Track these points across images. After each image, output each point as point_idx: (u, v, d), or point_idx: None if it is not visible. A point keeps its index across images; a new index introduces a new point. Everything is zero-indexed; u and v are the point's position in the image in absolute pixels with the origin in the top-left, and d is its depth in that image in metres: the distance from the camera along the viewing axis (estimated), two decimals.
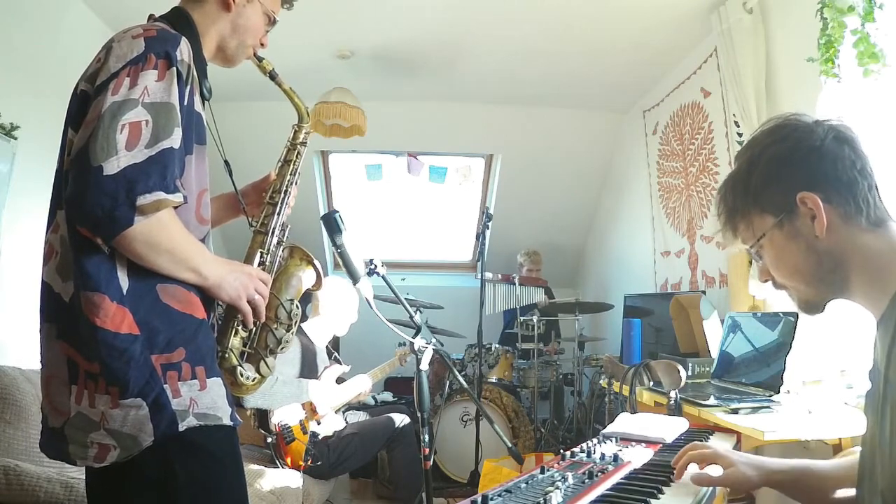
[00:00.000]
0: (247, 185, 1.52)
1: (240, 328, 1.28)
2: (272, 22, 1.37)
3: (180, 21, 1.24)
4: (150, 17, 1.25)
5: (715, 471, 0.97)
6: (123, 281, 1.06)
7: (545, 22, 3.19)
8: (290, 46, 3.37)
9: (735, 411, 1.85)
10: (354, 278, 1.60)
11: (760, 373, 2.17)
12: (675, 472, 1.01)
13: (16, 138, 2.47)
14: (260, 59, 1.41)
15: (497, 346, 4.03)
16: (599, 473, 0.97)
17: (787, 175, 0.90)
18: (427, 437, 1.61)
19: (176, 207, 1.08)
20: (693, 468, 1.00)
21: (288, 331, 1.36)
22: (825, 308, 0.95)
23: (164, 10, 1.28)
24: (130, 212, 1.00)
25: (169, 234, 1.07)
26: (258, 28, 1.34)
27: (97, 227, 1.01)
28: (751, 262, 2.64)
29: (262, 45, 1.38)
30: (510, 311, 4.50)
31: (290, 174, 1.46)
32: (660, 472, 1.03)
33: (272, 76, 1.44)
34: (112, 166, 1.00)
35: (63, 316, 1.09)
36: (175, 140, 1.07)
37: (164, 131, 1.06)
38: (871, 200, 0.88)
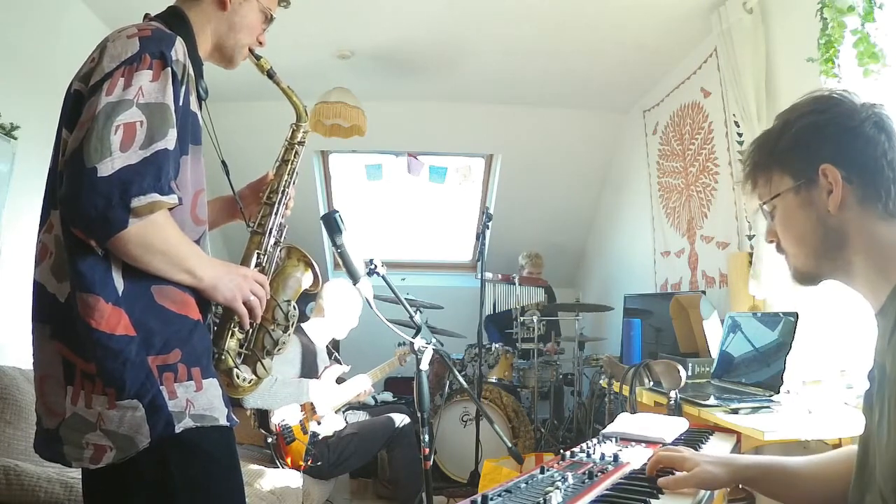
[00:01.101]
0: (244, 187, 1.51)
1: (236, 330, 1.27)
2: (269, 19, 1.36)
3: (176, 20, 1.23)
4: (146, 16, 1.24)
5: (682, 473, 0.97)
6: (118, 282, 1.06)
7: (545, 22, 3.19)
8: (290, 46, 3.37)
9: (735, 411, 1.85)
10: (354, 278, 1.60)
11: (760, 373, 2.17)
12: (670, 473, 1.01)
13: (16, 138, 2.47)
14: (258, 58, 1.40)
15: (497, 346, 4.03)
16: (599, 473, 0.97)
17: (815, 144, 0.90)
18: (427, 437, 1.61)
19: (171, 209, 1.07)
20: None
21: (285, 332, 1.35)
22: (819, 283, 0.96)
23: (162, 10, 1.27)
24: (125, 214, 1.00)
25: (163, 236, 1.06)
26: (255, 26, 1.33)
27: (91, 228, 1.01)
28: (751, 263, 2.64)
29: (259, 43, 1.37)
30: (495, 320, 4.49)
31: (288, 174, 1.44)
32: (659, 473, 1.03)
33: (270, 75, 1.43)
34: (106, 167, 0.99)
35: (58, 316, 1.09)
36: (170, 141, 1.07)
37: (158, 132, 1.05)
38: (893, 191, 0.88)
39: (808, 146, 0.91)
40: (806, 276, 0.95)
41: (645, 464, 1.08)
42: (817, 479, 0.98)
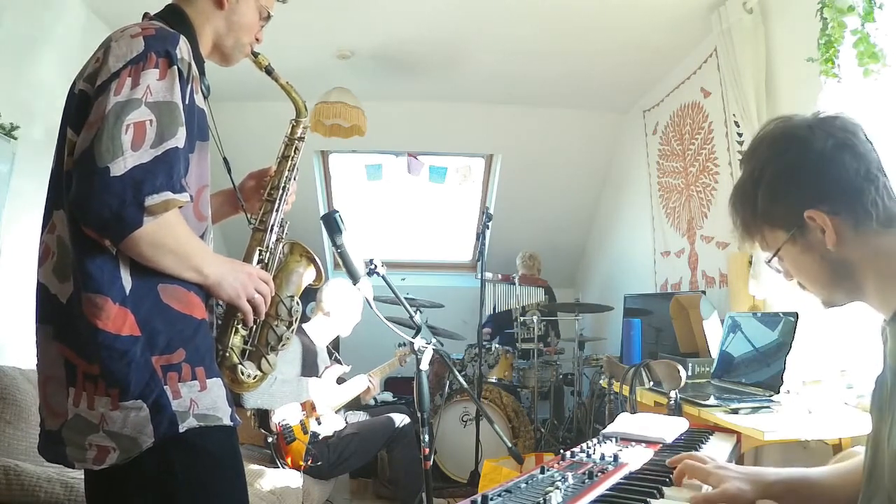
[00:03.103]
0: (246, 177, 1.51)
1: (240, 326, 1.28)
2: (266, 17, 1.36)
3: (176, 18, 1.23)
4: (146, 15, 1.24)
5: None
6: (126, 281, 1.06)
7: (545, 22, 3.19)
8: (290, 47, 3.37)
9: (735, 411, 1.85)
10: (354, 278, 1.60)
11: (760, 373, 2.17)
12: (673, 472, 1.00)
13: (16, 138, 2.47)
14: (255, 55, 1.40)
15: (497, 346, 4.03)
16: (599, 473, 0.97)
17: (791, 192, 0.90)
18: (427, 437, 1.61)
19: (180, 207, 1.07)
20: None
21: (289, 327, 1.35)
22: (844, 306, 0.97)
23: (160, 9, 1.27)
24: (139, 213, 1.00)
25: (175, 235, 1.06)
26: (253, 24, 1.33)
27: (106, 228, 1.01)
28: (751, 263, 2.64)
29: (257, 40, 1.37)
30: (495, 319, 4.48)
31: (289, 170, 1.44)
32: (660, 473, 1.03)
33: (268, 71, 1.43)
34: (119, 167, 0.99)
35: (60, 317, 1.09)
36: (179, 139, 1.07)
37: (168, 131, 1.05)
38: (880, 202, 0.88)
39: (786, 196, 0.91)
40: (832, 304, 0.97)
41: (647, 463, 1.08)
42: (840, 489, 0.97)
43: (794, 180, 0.90)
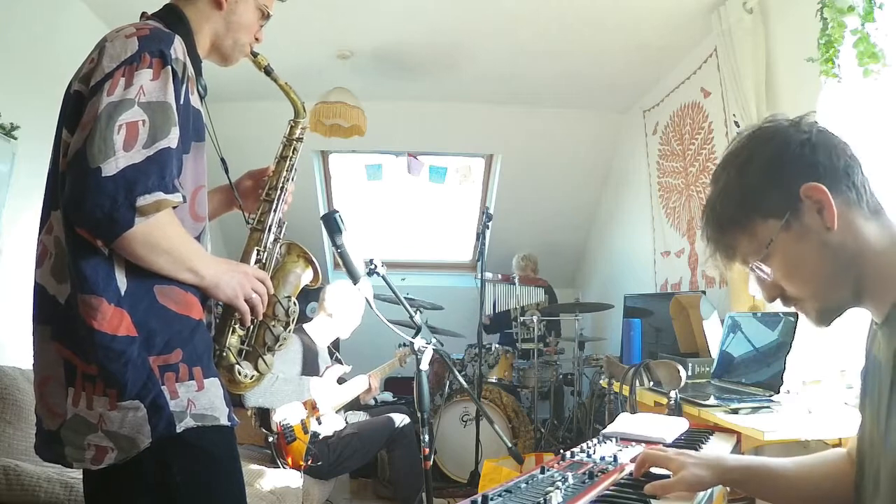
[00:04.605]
0: (244, 175, 1.50)
1: (237, 326, 1.28)
2: (266, 16, 1.35)
3: (173, 18, 1.23)
4: (143, 14, 1.24)
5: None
6: (121, 282, 1.06)
7: (545, 22, 3.19)
8: (290, 46, 3.37)
9: (735, 411, 1.85)
10: (354, 278, 1.60)
11: (760, 373, 2.17)
12: (642, 479, 0.98)
13: (16, 138, 2.47)
14: (255, 55, 1.40)
15: (497, 346, 4.03)
16: (599, 473, 0.97)
17: (784, 172, 0.86)
18: (427, 437, 1.62)
19: (174, 207, 1.07)
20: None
21: (286, 328, 1.35)
22: (841, 315, 0.89)
23: (158, 9, 1.27)
24: (130, 213, 1.00)
25: (168, 235, 1.06)
26: (252, 24, 1.33)
27: (97, 229, 1.00)
28: None
29: (256, 39, 1.37)
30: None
31: (287, 170, 1.44)
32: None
33: (267, 71, 1.43)
34: (111, 167, 0.99)
35: (59, 318, 1.09)
36: (172, 140, 1.07)
37: (161, 131, 1.05)
38: (867, 186, 0.86)
39: (778, 177, 0.86)
40: (830, 313, 0.88)
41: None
42: (803, 480, 0.97)
43: (785, 160, 0.86)
